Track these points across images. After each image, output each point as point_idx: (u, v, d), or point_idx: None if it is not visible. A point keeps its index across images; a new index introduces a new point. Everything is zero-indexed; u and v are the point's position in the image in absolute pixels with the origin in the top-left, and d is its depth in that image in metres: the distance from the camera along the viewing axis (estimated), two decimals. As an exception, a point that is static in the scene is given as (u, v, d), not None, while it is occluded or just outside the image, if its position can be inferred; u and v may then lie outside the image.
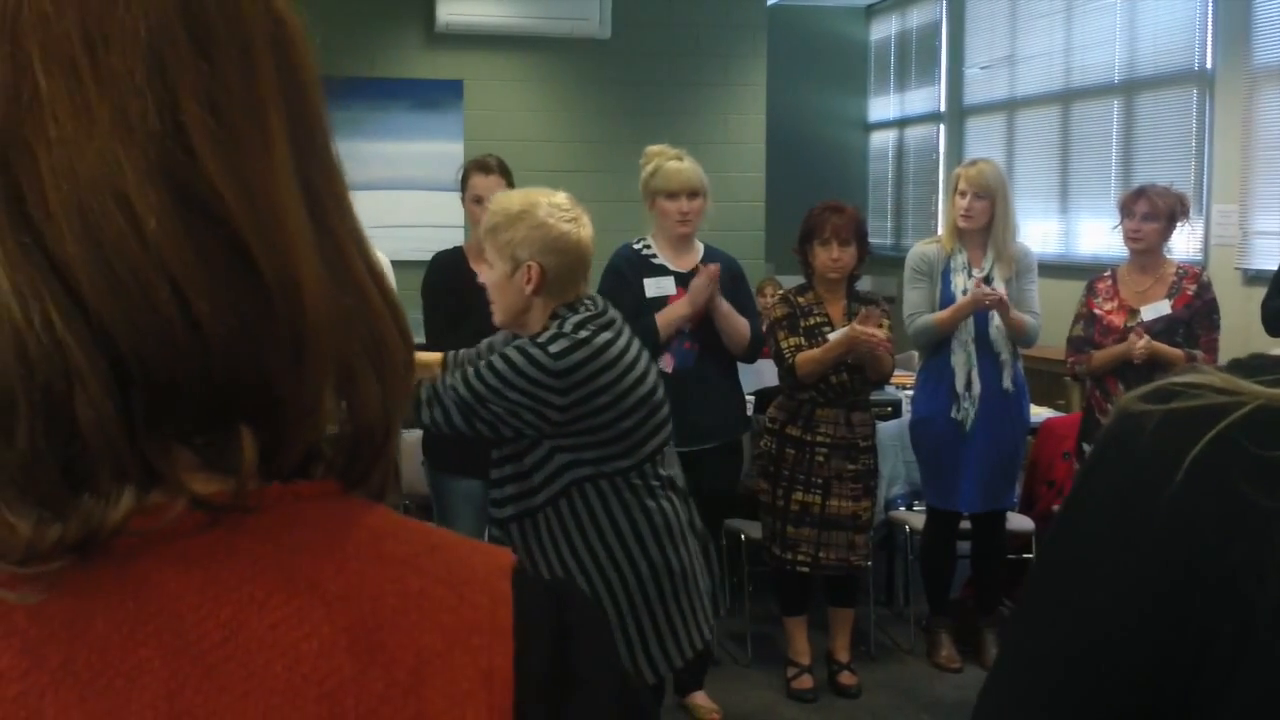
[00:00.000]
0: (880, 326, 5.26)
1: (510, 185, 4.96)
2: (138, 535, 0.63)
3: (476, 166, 5.00)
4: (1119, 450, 0.82)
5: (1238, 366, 0.80)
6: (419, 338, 5.47)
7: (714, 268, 4.92)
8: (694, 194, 4.97)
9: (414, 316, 5.19)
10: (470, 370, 3.22)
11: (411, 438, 5.55)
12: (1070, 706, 0.80)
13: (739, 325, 4.98)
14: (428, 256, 5.12)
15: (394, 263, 5.29)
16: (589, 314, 3.26)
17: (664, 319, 4.90)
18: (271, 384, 0.65)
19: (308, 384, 0.66)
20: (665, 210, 4.98)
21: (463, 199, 5.01)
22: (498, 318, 3.36)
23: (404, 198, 9.14)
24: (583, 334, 3.20)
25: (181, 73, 0.64)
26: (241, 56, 0.66)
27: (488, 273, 3.34)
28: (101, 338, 0.61)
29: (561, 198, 3.33)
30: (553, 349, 3.17)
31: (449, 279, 4.89)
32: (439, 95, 9.46)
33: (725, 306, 4.94)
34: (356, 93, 8.62)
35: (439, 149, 9.25)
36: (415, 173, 9.23)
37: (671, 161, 5.00)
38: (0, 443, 0.60)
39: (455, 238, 5.16)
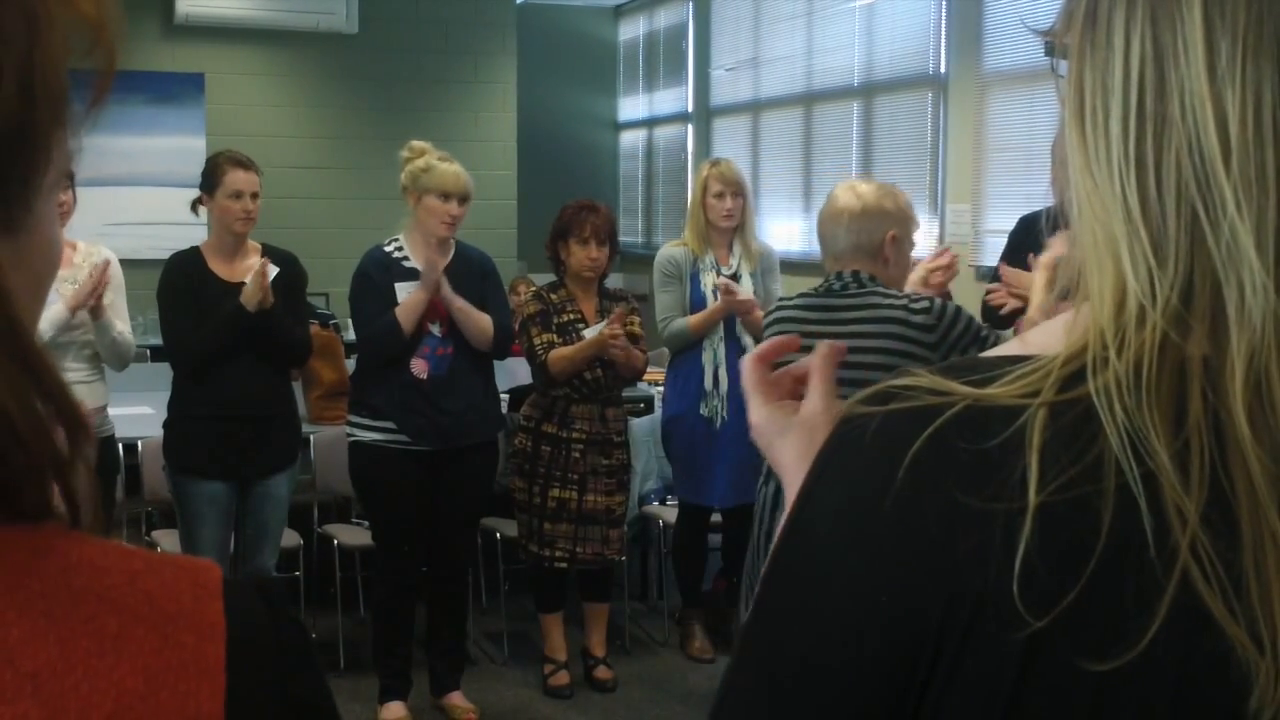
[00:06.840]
0: (631, 324, 5.32)
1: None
2: None
3: (233, 162, 4.79)
4: (844, 454, 0.84)
5: (949, 369, 0.83)
6: (154, 340, 5.29)
7: (433, 256, 4.84)
8: (465, 199, 4.91)
9: (150, 317, 5.02)
10: None
11: (152, 440, 5.37)
12: (807, 716, 0.81)
13: (479, 320, 4.90)
14: (165, 255, 4.93)
15: (131, 261, 5.10)
16: None
17: (403, 311, 4.81)
18: None
19: None
20: (433, 209, 4.86)
21: (209, 195, 4.77)
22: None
23: (141, 194, 8.84)
24: None
25: None
26: None
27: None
28: None
29: None
30: None
31: (187, 280, 4.75)
32: (179, 89, 9.18)
33: (459, 303, 4.86)
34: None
35: (179, 144, 8.98)
36: (153, 168, 8.93)
37: (445, 163, 4.91)
38: None
39: (196, 235, 4.98)
